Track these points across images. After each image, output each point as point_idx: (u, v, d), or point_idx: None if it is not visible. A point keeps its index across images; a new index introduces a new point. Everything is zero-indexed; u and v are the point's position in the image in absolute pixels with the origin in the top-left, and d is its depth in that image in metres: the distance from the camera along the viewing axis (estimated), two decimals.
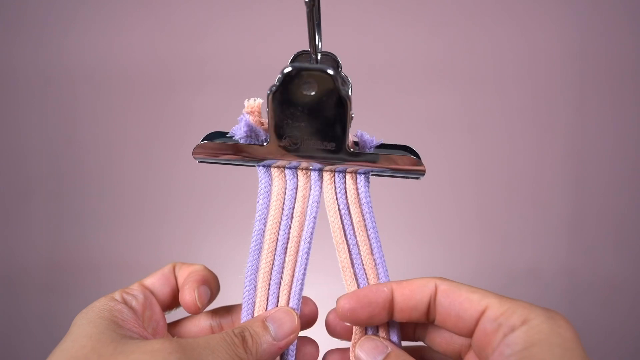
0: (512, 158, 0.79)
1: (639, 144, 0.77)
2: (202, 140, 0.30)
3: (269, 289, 0.30)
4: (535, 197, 0.79)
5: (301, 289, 0.30)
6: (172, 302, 0.33)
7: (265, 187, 0.31)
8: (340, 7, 0.79)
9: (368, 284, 0.30)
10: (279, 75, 0.25)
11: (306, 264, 0.30)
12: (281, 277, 0.30)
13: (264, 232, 0.31)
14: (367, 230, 0.30)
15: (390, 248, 0.83)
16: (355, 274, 0.30)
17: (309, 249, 0.30)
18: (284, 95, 0.26)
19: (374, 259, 0.30)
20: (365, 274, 0.30)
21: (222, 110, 0.77)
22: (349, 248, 0.30)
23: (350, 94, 0.30)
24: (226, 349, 0.25)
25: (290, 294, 0.30)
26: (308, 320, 0.32)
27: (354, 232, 0.30)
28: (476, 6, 0.79)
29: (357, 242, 0.30)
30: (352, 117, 0.28)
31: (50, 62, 0.83)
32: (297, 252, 0.30)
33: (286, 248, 0.31)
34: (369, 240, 0.30)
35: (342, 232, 0.30)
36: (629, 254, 0.77)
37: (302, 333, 0.31)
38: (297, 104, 0.26)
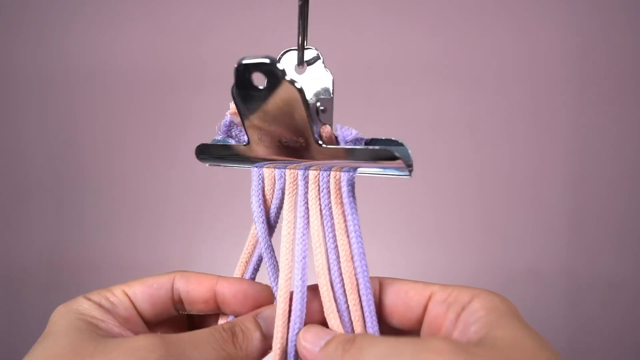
0: (512, 158, 0.79)
1: (639, 144, 0.77)
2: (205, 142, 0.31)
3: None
4: (535, 197, 0.78)
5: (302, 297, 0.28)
6: (154, 318, 0.29)
7: (255, 187, 0.30)
8: (341, 7, 0.79)
9: (344, 292, 0.28)
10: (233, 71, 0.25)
11: (304, 269, 0.28)
12: (276, 280, 0.29)
13: (266, 230, 0.30)
14: (348, 234, 0.28)
15: (390, 248, 0.83)
16: (331, 281, 0.28)
17: (303, 252, 0.28)
18: (242, 92, 0.25)
19: (355, 267, 0.28)
20: (342, 281, 0.28)
21: (222, 111, 0.77)
22: (326, 252, 0.28)
23: (331, 88, 0.29)
24: (212, 344, 0.24)
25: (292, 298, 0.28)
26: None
27: (334, 235, 0.28)
28: (476, 6, 0.79)
29: (335, 246, 0.28)
30: (320, 109, 0.27)
31: (50, 62, 0.83)
32: (293, 255, 0.29)
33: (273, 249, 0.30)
34: (350, 245, 0.28)
35: (322, 234, 0.28)
36: (629, 254, 0.77)
37: None
38: (256, 99, 0.25)
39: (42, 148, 0.84)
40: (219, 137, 0.29)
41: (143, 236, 0.83)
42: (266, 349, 0.27)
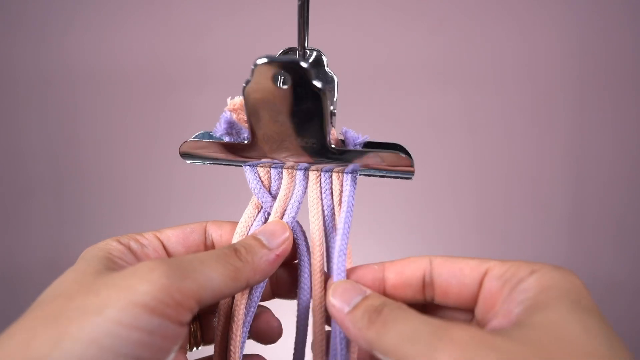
0: (512, 157, 0.79)
1: (639, 143, 0.77)
2: (191, 139, 0.29)
3: None
4: (535, 197, 0.78)
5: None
6: None
7: (257, 186, 0.29)
8: (341, 6, 0.79)
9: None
10: (252, 68, 0.24)
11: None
12: None
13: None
14: (338, 236, 0.28)
15: (390, 248, 0.83)
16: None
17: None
18: (258, 90, 0.24)
19: (333, 263, 0.28)
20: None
21: (222, 110, 0.77)
22: (328, 252, 0.29)
23: (336, 91, 0.29)
24: (217, 260, 0.24)
25: None
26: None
27: (334, 234, 0.29)
28: (476, 6, 0.79)
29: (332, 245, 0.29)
30: (333, 113, 0.27)
31: (50, 62, 0.83)
32: None
33: None
34: (337, 247, 0.28)
35: (323, 234, 0.29)
36: (629, 254, 0.77)
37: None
38: (272, 99, 0.24)
39: (43, 147, 0.84)
40: (217, 134, 0.28)
41: None
42: (274, 259, 0.27)
